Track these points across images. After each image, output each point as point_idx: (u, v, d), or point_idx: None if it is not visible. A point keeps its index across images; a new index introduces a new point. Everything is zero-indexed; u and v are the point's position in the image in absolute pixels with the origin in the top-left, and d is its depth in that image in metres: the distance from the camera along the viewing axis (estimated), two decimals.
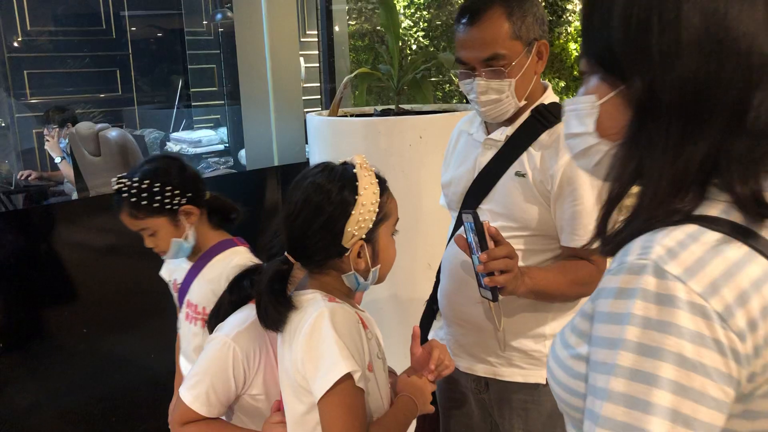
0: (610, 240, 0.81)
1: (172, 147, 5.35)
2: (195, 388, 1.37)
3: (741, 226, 0.72)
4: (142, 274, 2.92)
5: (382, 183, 1.31)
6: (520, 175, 1.56)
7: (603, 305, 0.73)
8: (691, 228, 0.72)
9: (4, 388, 2.67)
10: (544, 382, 1.60)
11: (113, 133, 3.62)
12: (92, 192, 3.76)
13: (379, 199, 1.27)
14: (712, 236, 0.71)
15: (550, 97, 1.64)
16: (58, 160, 4.46)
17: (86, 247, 2.91)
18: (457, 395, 1.78)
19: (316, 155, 2.88)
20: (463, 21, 1.54)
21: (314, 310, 1.23)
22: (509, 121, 1.62)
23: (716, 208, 0.74)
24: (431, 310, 1.88)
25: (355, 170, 1.28)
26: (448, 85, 10.30)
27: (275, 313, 1.24)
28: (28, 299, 2.73)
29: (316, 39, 5.79)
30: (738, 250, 0.70)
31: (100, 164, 3.59)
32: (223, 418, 1.44)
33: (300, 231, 1.26)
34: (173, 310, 3.23)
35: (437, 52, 2.73)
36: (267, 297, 1.25)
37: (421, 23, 9.92)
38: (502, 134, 1.62)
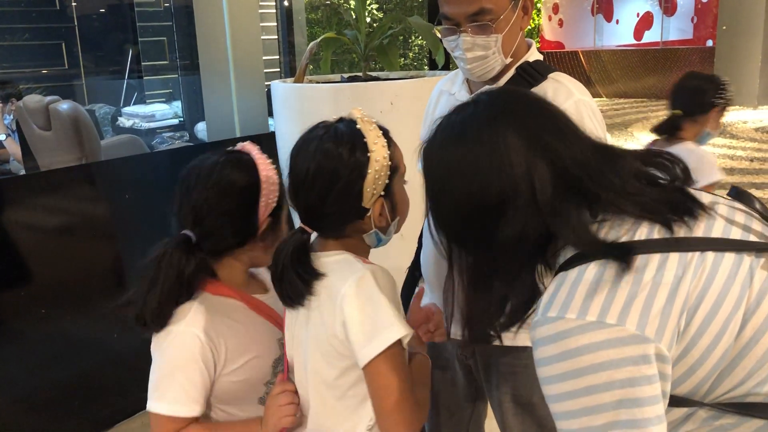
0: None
1: (125, 122, 5.15)
2: (166, 393, 1.26)
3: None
4: (99, 252, 2.81)
5: (386, 134, 1.26)
6: None
7: None
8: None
9: None
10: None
11: (64, 105, 3.44)
12: (43, 168, 3.59)
13: (388, 152, 1.23)
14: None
15: (534, 54, 1.60)
16: (2, 137, 4.27)
17: (40, 225, 2.77)
18: (442, 362, 1.75)
19: (283, 124, 2.80)
20: None
21: (351, 273, 1.19)
22: (494, 80, 1.57)
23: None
24: (413, 277, 1.84)
25: (358, 126, 1.22)
26: (402, 59, 10.23)
27: (302, 285, 1.20)
28: None
29: (269, 10, 5.66)
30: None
31: (51, 139, 3.42)
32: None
33: (317, 200, 1.21)
34: (133, 288, 3.11)
35: (405, 16, 2.64)
36: (293, 269, 1.20)
37: None
38: None
